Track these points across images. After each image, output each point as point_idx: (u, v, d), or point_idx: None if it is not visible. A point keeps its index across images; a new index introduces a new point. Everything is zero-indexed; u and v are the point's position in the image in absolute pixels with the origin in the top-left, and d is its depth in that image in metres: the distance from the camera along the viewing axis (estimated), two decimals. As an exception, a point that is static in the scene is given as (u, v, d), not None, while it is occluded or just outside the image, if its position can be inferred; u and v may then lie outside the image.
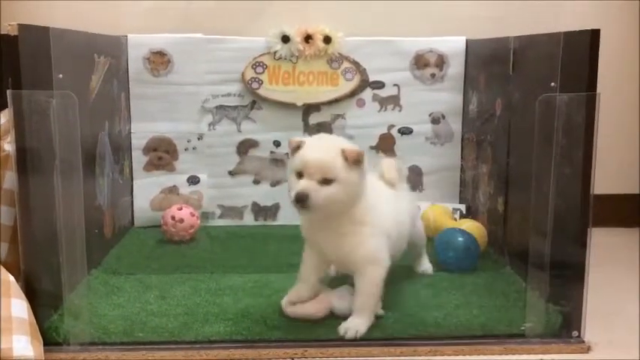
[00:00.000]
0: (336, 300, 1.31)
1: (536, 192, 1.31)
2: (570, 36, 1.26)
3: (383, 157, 1.91)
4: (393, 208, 1.35)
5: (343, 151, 1.20)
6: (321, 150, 1.21)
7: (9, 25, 1.15)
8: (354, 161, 1.20)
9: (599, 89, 1.21)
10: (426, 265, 1.57)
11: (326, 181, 1.19)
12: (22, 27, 1.17)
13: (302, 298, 1.30)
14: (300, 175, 1.20)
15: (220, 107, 1.97)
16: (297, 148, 1.23)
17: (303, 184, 1.18)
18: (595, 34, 1.20)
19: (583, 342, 1.26)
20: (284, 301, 1.32)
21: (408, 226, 1.42)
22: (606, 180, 1.50)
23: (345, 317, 1.28)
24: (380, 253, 1.27)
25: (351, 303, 1.29)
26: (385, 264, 1.28)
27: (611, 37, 1.25)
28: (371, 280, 1.26)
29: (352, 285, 1.31)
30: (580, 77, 1.22)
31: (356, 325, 1.25)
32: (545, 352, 1.25)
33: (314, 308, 1.30)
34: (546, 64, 1.34)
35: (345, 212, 1.23)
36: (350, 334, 1.24)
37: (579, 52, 1.23)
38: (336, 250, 1.26)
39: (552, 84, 1.27)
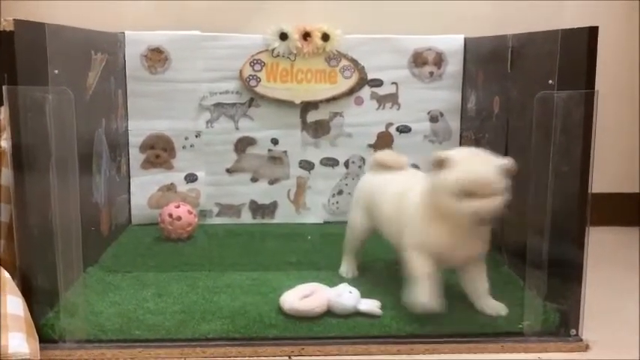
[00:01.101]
0: (333, 297, 1.31)
1: (534, 190, 1.31)
2: (568, 33, 1.26)
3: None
4: None
5: (503, 165, 1.23)
6: (489, 167, 1.22)
7: (4, 20, 1.15)
8: (509, 173, 1.23)
9: (597, 87, 1.21)
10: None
11: (491, 194, 1.21)
12: (18, 22, 1.17)
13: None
14: (468, 193, 1.20)
15: (218, 105, 1.96)
16: (449, 164, 1.22)
17: (477, 205, 1.20)
18: (593, 32, 1.20)
19: (581, 340, 1.26)
20: (282, 298, 1.31)
21: None
22: (605, 179, 1.50)
23: (341, 315, 1.28)
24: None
25: (349, 301, 1.29)
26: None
27: (610, 34, 1.25)
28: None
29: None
30: (578, 75, 1.22)
31: (500, 306, 1.33)
32: (543, 351, 1.24)
33: (312, 304, 1.29)
34: (544, 61, 1.33)
35: None
36: (503, 312, 1.32)
37: (577, 49, 1.22)
38: (473, 249, 1.31)
39: (550, 81, 1.27)
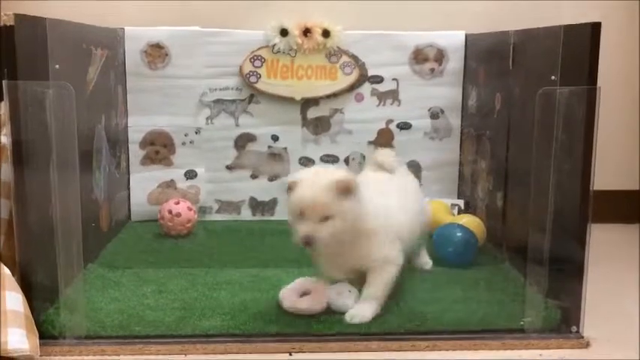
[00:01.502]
0: (334, 295, 1.30)
1: (535, 187, 1.31)
2: (571, 29, 1.25)
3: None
4: (403, 204, 1.37)
5: (335, 185, 1.21)
6: (315, 190, 1.21)
7: (5, 14, 1.14)
8: (347, 191, 1.22)
9: (598, 83, 1.20)
10: (425, 259, 1.57)
11: (325, 219, 1.21)
12: (19, 17, 1.16)
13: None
14: (300, 215, 1.22)
15: (218, 101, 1.96)
16: (291, 188, 1.23)
17: (305, 228, 1.20)
18: (596, 28, 1.19)
19: (582, 337, 1.26)
20: (281, 294, 1.31)
21: (419, 216, 1.45)
22: (606, 176, 1.50)
23: (342, 313, 1.28)
24: (392, 254, 1.30)
25: (349, 299, 1.30)
26: (398, 262, 1.31)
27: (611, 30, 1.24)
28: (383, 277, 1.29)
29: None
30: (580, 71, 1.21)
31: (363, 311, 1.27)
32: (544, 348, 1.24)
33: (312, 302, 1.29)
34: (546, 58, 1.33)
35: (350, 235, 1.25)
36: (356, 320, 1.26)
37: (580, 45, 1.22)
38: (350, 263, 1.29)
39: (552, 77, 1.27)
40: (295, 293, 1.31)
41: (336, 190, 1.21)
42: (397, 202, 1.36)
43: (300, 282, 1.34)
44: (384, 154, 1.50)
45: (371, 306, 1.28)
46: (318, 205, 1.20)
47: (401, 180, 1.48)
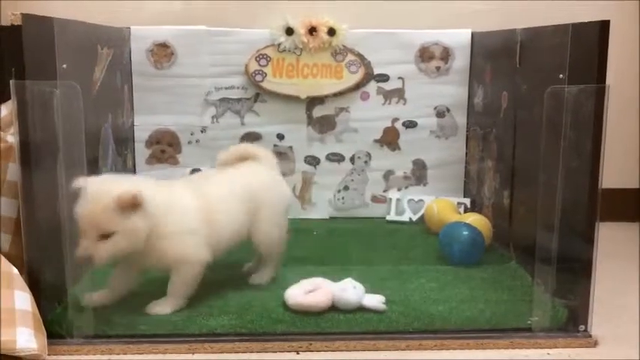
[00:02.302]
0: (337, 293, 1.30)
1: (543, 186, 1.30)
2: (579, 27, 1.25)
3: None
4: (206, 202, 1.32)
5: (116, 200, 1.14)
6: (92, 203, 1.14)
7: (12, 14, 1.14)
8: (131, 207, 1.16)
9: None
10: (260, 277, 1.45)
11: (106, 236, 1.16)
12: (26, 17, 1.16)
13: (104, 302, 1.31)
14: (81, 230, 1.16)
15: (224, 100, 1.96)
16: (77, 195, 1.17)
17: (82, 246, 1.15)
18: (604, 26, 1.19)
19: (590, 336, 1.26)
20: (286, 293, 1.31)
21: (242, 215, 1.38)
22: (614, 174, 1.50)
23: (346, 310, 1.28)
24: (190, 252, 1.28)
25: (352, 296, 1.29)
26: (198, 260, 1.29)
27: (617, 29, 1.23)
28: (184, 276, 1.29)
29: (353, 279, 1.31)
30: (589, 69, 1.21)
31: (162, 305, 1.28)
32: (552, 347, 1.24)
33: (315, 299, 1.29)
34: (554, 56, 1.32)
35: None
36: (153, 312, 1.27)
37: (588, 43, 1.21)
38: (148, 262, 1.27)
39: (560, 76, 1.26)
40: (300, 292, 1.31)
41: (117, 206, 1.14)
42: (200, 201, 1.30)
43: (305, 282, 1.34)
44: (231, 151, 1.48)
45: (171, 303, 1.28)
46: (95, 222, 1.14)
47: (236, 176, 1.42)
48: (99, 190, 1.17)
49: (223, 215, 1.34)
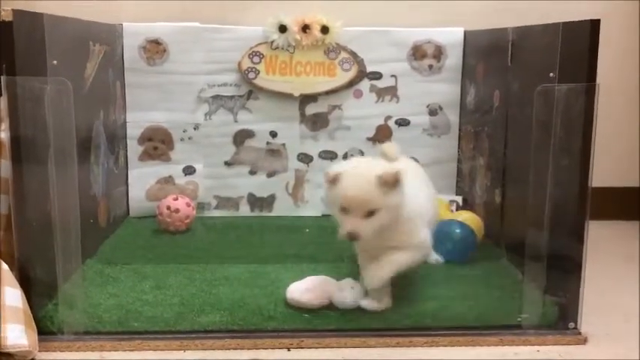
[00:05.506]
0: (336, 291, 1.31)
1: (533, 184, 1.31)
2: (570, 26, 1.25)
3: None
4: (425, 191, 1.39)
5: (380, 179, 1.19)
6: (359, 185, 1.19)
7: (3, 10, 1.14)
8: (393, 184, 1.20)
9: (598, 80, 1.20)
10: (436, 255, 1.56)
11: (370, 213, 1.20)
12: (17, 13, 1.16)
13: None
14: (344, 210, 1.20)
15: (216, 97, 1.96)
16: (334, 181, 1.22)
17: (351, 224, 1.19)
18: (595, 25, 1.19)
19: (580, 333, 1.26)
20: (288, 289, 1.32)
21: (435, 203, 1.46)
22: (605, 173, 1.50)
23: (342, 309, 1.28)
24: (426, 239, 1.30)
25: (350, 294, 1.30)
26: (428, 247, 1.32)
27: (610, 27, 1.24)
28: (411, 255, 1.27)
29: (355, 278, 1.32)
30: (579, 68, 1.21)
31: (379, 270, 1.25)
32: (542, 344, 1.25)
33: (312, 296, 1.29)
34: (545, 55, 1.33)
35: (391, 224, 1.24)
36: (376, 282, 1.25)
37: (579, 42, 1.22)
38: (387, 247, 1.27)
39: (551, 74, 1.27)
40: (301, 288, 1.31)
41: (380, 184, 1.19)
42: (421, 189, 1.37)
43: (310, 279, 1.34)
44: (388, 146, 1.48)
45: (387, 268, 1.25)
46: (363, 200, 1.19)
47: (415, 169, 1.49)
48: (362, 171, 1.22)
49: (433, 206, 1.42)
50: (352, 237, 1.20)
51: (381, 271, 1.25)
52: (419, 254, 1.29)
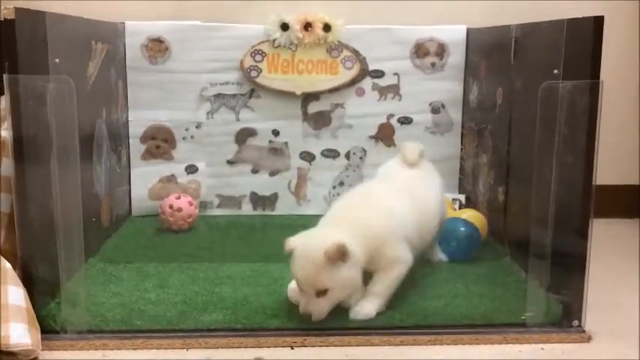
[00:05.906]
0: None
1: (537, 181, 1.30)
2: (573, 23, 1.25)
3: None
4: (417, 202, 1.37)
5: (325, 256, 1.16)
6: (306, 266, 1.19)
7: (5, 8, 1.14)
8: (341, 258, 1.18)
9: (601, 78, 1.20)
10: (441, 254, 1.57)
11: (322, 292, 1.20)
12: (19, 11, 1.16)
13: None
14: (299, 287, 1.22)
15: (219, 95, 1.95)
16: (290, 253, 1.22)
17: (304, 305, 1.21)
18: (599, 21, 1.19)
19: (584, 331, 1.26)
20: (289, 287, 1.32)
21: (434, 214, 1.45)
22: (608, 170, 1.50)
23: (344, 307, 1.28)
24: (402, 254, 1.30)
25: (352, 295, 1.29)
26: (408, 262, 1.30)
27: (611, 27, 1.24)
28: (390, 276, 1.29)
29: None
30: (583, 65, 1.21)
31: (367, 308, 1.26)
32: (546, 342, 1.24)
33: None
34: (549, 52, 1.32)
35: None
36: (359, 317, 1.25)
37: (583, 39, 1.21)
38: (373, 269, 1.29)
39: (555, 71, 1.26)
40: None
41: (327, 261, 1.17)
42: (410, 200, 1.36)
43: None
44: (409, 148, 1.50)
45: (375, 303, 1.27)
46: (313, 282, 1.19)
47: (421, 176, 1.48)
48: (309, 251, 1.20)
49: (424, 218, 1.40)
50: (306, 317, 1.21)
51: (369, 306, 1.26)
52: (403, 270, 1.29)
